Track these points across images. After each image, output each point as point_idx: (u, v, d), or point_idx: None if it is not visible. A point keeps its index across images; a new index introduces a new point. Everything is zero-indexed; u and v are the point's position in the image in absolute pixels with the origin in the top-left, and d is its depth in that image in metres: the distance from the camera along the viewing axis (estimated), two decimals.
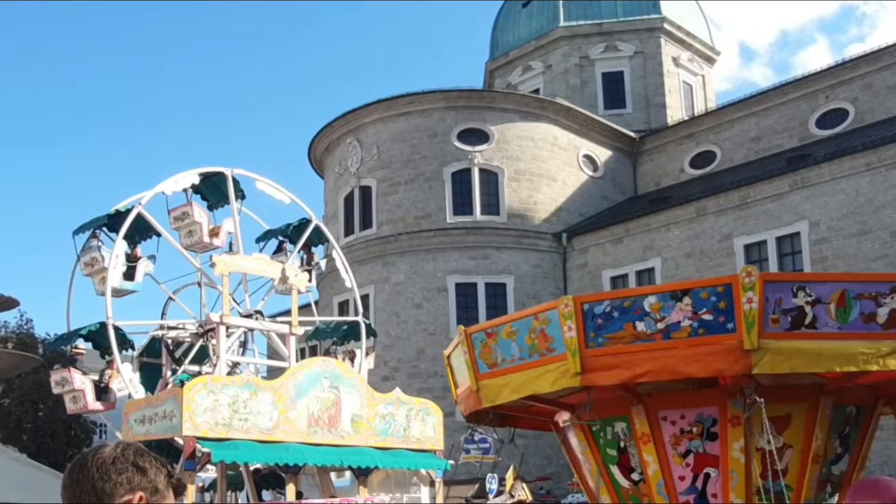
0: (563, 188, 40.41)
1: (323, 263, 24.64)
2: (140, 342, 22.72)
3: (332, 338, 23.46)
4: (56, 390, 20.79)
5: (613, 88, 48.04)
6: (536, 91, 48.06)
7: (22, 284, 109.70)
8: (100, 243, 20.52)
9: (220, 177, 22.03)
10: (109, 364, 20.31)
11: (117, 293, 20.56)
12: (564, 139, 41.12)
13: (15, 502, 9.58)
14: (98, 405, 20.22)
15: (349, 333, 24.18)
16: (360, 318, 24.42)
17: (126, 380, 19.79)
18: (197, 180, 21.59)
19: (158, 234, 21.34)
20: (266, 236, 24.21)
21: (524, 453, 21.84)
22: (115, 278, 19.95)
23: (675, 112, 47.36)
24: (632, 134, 44.19)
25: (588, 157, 42.11)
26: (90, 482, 2.13)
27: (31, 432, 46.95)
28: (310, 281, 23.21)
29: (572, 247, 39.10)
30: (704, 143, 42.80)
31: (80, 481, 2.15)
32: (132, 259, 20.91)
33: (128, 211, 20.30)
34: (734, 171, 39.21)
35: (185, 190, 21.72)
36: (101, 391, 20.31)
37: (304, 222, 23.64)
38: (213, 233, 22.02)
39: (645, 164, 44.54)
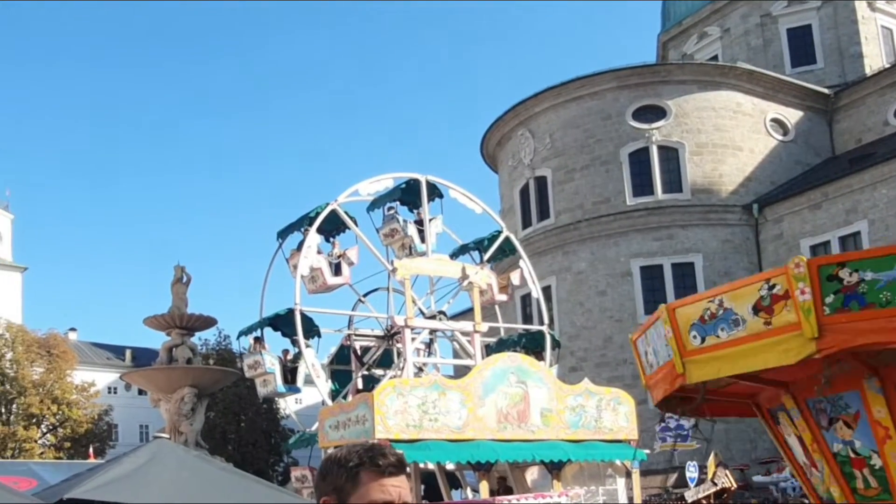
0: (750, 156, 39.25)
1: (516, 278, 25.39)
2: (329, 349, 24.28)
3: (515, 348, 24.02)
4: (248, 374, 22.60)
5: (801, 44, 46.08)
6: (714, 58, 46.89)
7: (218, 302, 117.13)
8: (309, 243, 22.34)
9: (415, 182, 23.39)
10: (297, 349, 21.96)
11: (328, 288, 22.28)
12: (749, 105, 39.92)
13: None
14: (284, 388, 21.82)
15: (533, 343, 24.77)
16: (544, 329, 24.97)
17: (309, 364, 21.15)
18: (391, 183, 23.09)
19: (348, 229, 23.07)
20: (461, 251, 25.44)
21: (727, 438, 21.67)
22: (305, 267, 21.58)
23: (875, 61, 44.81)
24: (825, 90, 42.27)
25: (776, 121, 40.70)
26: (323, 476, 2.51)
27: (235, 442, 50.39)
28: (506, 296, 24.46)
29: (765, 217, 37.89)
30: None
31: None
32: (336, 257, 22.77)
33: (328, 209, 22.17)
34: None
35: (389, 207, 23.31)
36: (289, 373, 21.91)
37: (497, 234, 24.65)
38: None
39: (842, 122, 42.46)
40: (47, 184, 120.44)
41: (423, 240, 23.17)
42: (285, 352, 22.64)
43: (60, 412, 52.03)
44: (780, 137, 40.50)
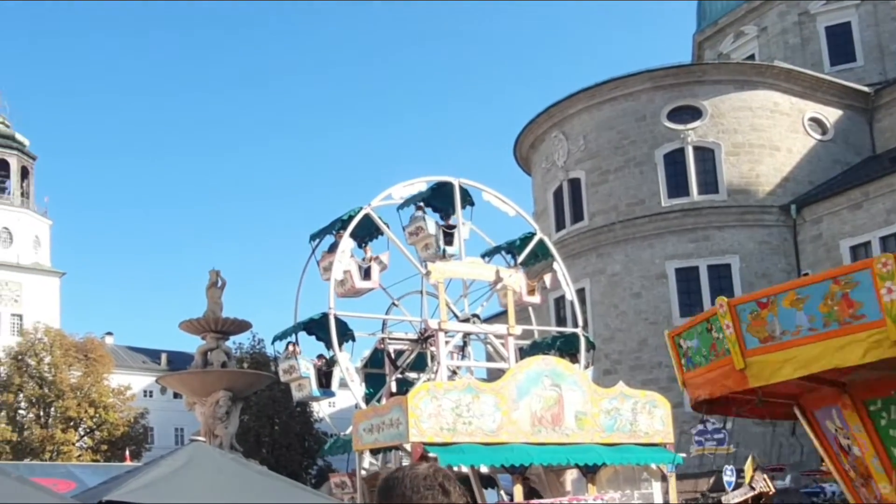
0: (787, 157, 38.96)
1: (548, 280, 25.45)
2: (362, 352, 24.41)
3: (549, 351, 24.02)
4: (284, 378, 22.82)
5: (840, 42, 45.71)
6: (751, 57, 46.64)
7: (253, 306, 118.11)
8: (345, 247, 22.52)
9: (448, 186, 23.46)
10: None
11: (356, 292, 22.47)
12: (787, 104, 39.64)
13: None
14: (319, 392, 22.06)
15: (567, 346, 24.76)
16: (578, 331, 24.95)
17: (343, 368, 21.32)
18: (424, 187, 23.19)
19: (382, 234, 23.24)
20: (493, 252, 25.51)
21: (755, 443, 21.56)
22: (338, 272, 21.75)
23: None
24: (865, 89, 41.85)
25: (815, 120, 40.36)
26: (401, 491, 2.52)
27: (269, 445, 50.83)
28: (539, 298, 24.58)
29: (803, 218, 37.58)
30: None
31: (393, 490, 2.54)
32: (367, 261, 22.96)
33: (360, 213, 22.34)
34: None
35: (417, 206, 23.42)
36: (324, 376, 22.11)
37: (529, 236, 24.66)
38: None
39: (883, 120, 42.01)
40: (84, 190, 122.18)
41: (448, 242, 23.27)
42: (320, 356, 22.83)
43: (97, 415, 52.84)
44: (819, 137, 40.17)
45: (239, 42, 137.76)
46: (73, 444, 51.31)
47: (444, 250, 23.23)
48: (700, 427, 22.49)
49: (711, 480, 22.85)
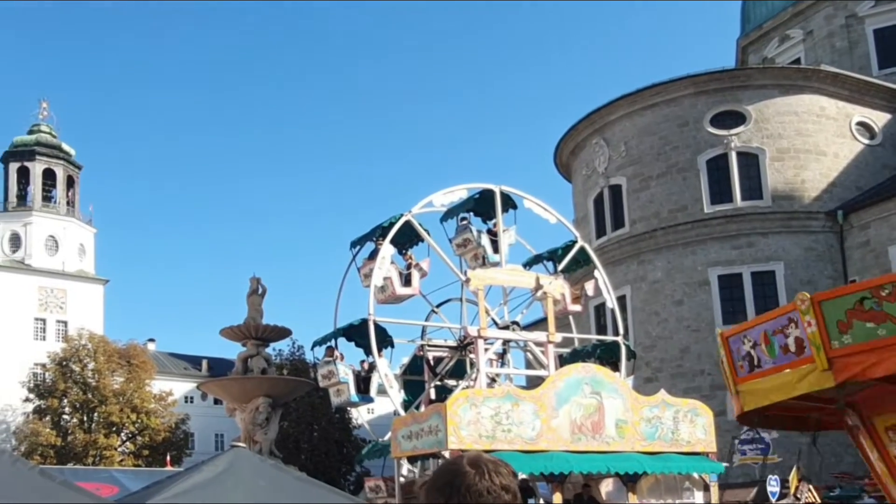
0: (834, 161, 38.44)
1: (591, 289, 25.40)
2: (401, 359, 24.56)
3: (589, 359, 23.96)
4: (322, 384, 23.01)
5: (889, 45, 45.03)
6: (797, 61, 46.08)
7: (292, 313, 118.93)
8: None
9: (489, 193, 23.59)
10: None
11: (396, 298, 22.69)
12: (833, 108, 39.12)
13: None
14: (357, 398, 22.24)
15: (608, 354, 24.69)
16: (619, 339, 24.87)
17: (382, 374, 21.44)
18: (465, 194, 23.34)
19: (422, 241, 23.41)
20: (535, 261, 25.56)
21: (801, 450, 21.36)
22: (378, 278, 21.94)
23: None
24: None
25: (863, 125, 39.78)
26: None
27: (308, 451, 51.17)
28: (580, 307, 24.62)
29: (850, 224, 37.01)
30: None
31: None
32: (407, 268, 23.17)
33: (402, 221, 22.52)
34: None
35: (462, 218, 23.57)
36: (362, 382, 22.28)
37: (571, 245, 24.68)
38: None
39: None
40: (128, 198, 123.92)
41: (496, 250, 23.33)
42: (363, 362, 22.97)
43: (139, 421, 53.57)
44: (867, 141, 39.58)
45: (277, 51, 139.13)
46: (116, 449, 52.06)
47: (489, 258, 23.36)
48: (743, 436, 22.30)
49: (755, 490, 22.65)
